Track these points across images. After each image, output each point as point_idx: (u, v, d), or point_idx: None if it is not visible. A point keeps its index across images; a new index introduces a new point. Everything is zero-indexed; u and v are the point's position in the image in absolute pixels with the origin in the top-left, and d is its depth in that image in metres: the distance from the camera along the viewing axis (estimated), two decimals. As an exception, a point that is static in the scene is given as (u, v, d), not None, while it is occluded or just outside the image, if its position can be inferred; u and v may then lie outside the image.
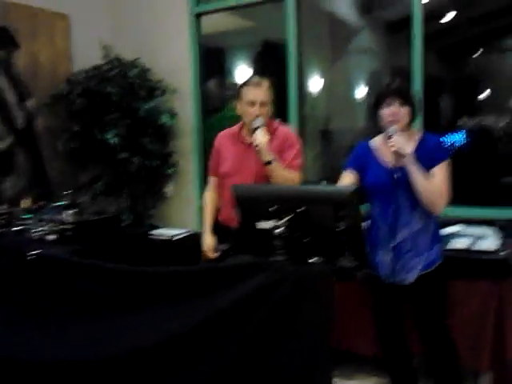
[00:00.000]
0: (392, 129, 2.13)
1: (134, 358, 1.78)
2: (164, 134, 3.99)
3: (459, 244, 2.68)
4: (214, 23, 4.55)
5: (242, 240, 1.95)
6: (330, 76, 5.54)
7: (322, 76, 5.43)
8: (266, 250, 1.81)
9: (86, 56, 4.01)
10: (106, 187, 3.99)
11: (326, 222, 1.71)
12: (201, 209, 4.19)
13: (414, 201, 2.15)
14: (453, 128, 5.46)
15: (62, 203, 3.06)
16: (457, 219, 2.99)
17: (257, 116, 2.43)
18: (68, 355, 1.83)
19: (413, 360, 2.45)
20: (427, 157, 2.14)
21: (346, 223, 1.69)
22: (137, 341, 1.80)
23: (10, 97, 3.76)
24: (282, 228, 1.77)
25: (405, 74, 3.50)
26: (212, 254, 2.58)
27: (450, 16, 5.38)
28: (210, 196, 2.76)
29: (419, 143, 2.21)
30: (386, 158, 2.24)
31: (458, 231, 2.86)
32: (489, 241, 2.72)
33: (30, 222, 2.95)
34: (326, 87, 5.53)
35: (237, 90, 2.58)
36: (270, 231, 1.77)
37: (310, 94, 5.34)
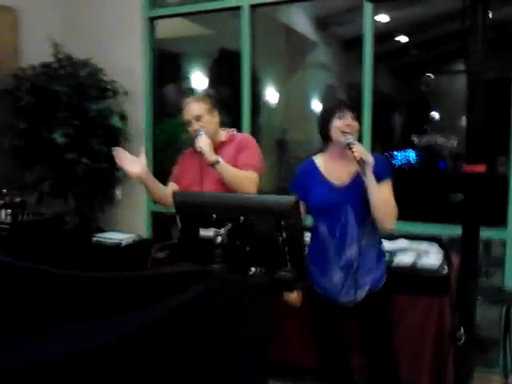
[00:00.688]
0: (350, 138, 2.10)
1: (70, 365, 1.71)
2: (114, 136, 3.90)
3: (404, 259, 2.72)
4: (172, 28, 4.51)
5: (183, 247, 1.90)
6: (287, 88, 5.60)
7: (279, 88, 5.48)
8: (207, 258, 1.78)
9: (34, 52, 3.88)
10: (52, 188, 3.86)
11: (267, 232, 1.70)
12: (150, 213, 4.13)
13: (361, 217, 2.15)
14: (404, 145, 5.60)
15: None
16: (402, 234, 3.04)
17: (196, 130, 2.49)
18: (7, 364, 1.73)
19: (353, 375, 2.45)
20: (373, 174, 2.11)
21: (286, 234, 1.67)
22: (72, 347, 1.73)
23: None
24: (223, 237, 1.74)
25: (358, 91, 3.56)
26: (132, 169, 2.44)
27: (403, 39, 5.55)
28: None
29: None
30: (332, 176, 2.23)
31: (403, 247, 2.91)
32: (432, 257, 2.77)
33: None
34: (283, 99, 5.58)
35: None
36: (210, 239, 1.74)
37: (267, 104, 5.37)
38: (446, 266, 2.67)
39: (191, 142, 2.55)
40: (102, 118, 3.78)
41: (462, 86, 1.75)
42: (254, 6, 3.76)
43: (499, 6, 3.69)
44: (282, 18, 5.04)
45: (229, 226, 1.74)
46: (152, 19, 4.12)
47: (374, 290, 2.22)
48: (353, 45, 3.81)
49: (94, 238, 3.24)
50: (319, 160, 2.31)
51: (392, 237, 2.94)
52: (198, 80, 4.74)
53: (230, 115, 4.56)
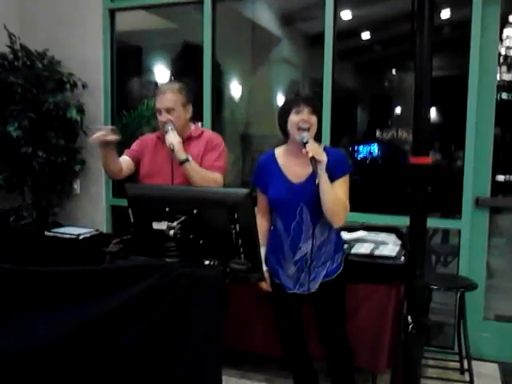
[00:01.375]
0: (305, 135, 2.09)
1: (24, 359, 1.69)
2: (71, 129, 3.82)
3: (362, 249, 2.76)
4: (134, 21, 4.44)
5: (136, 240, 1.88)
6: (251, 83, 5.59)
7: (243, 82, 5.46)
8: (160, 251, 1.77)
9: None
10: (7, 182, 3.77)
11: (220, 224, 1.69)
12: (110, 207, 4.07)
13: (316, 215, 2.16)
14: (367, 139, 5.67)
15: None
16: (360, 225, 3.08)
17: (165, 122, 2.47)
18: None
19: (313, 362, 2.49)
20: (328, 170, 2.11)
21: (239, 226, 1.67)
22: (23, 342, 1.71)
23: None
24: (176, 229, 1.73)
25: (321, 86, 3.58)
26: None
27: (365, 35, 5.61)
28: None
29: None
30: (290, 172, 2.23)
31: (361, 237, 2.95)
32: (389, 247, 2.82)
33: None
34: (247, 93, 5.57)
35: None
36: (163, 232, 1.73)
37: (230, 98, 5.35)
38: (403, 256, 2.72)
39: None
40: (58, 111, 3.68)
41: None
42: (216, 0, 3.73)
43: (457, 7, 3.78)
44: (247, 12, 5.02)
45: (182, 218, 1.73)
46: (113, 11, 4.05)
47: (329, 279, 2.25)
48: (317, 41, 3.83)
49: (50, 233, 3.16)
50: (279, 153, 2.30)
51: (351, 228, 2.98)
52: (161, 73, 4.68)
53: (193, 110, 4.53)
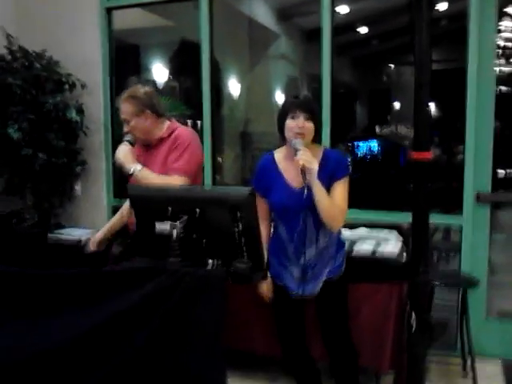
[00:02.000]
0: (297, 142, 2.07)
1: (36, 362, 1.71)
2: (71, 130, 3.81)
3: (363, 247, 2.75)
4: (131, 19, 4.43)
5: (139, 242, 1.88)
6: (250, 80, 5.58)
7: (242, 79, 5.46)
8: (163, 251, 1.77)
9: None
10: (8, 184, 3.75)
11: (223, 224, 1.69)
12: (111, 208, 4.06)
13: (319, 219, 2.13)
14: (366, 135, 5.67)
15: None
16: (362, 223, 3.08)
17: (125, 133, 2.42)
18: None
19: (316, 363, 2.48)
20: (328, 173, 2.11)
21: (242, 226, 1.67)
22: (34, 344, 1.73)
23: None
24: (179, 230, 1.73)
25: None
26: (92, 247, 2.63)
27: (363, 30, 5.59)
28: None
29: (321, 159, 2.17)
30: (291, 177, 2.20)
31: (363, 234, 2.95)
32: (391, 244, 2.82)
33: None
34: (246, 90, 5.56)
35: None
36: (166, 232, 1.73)
37: (229, 96, 5.35)
38: (404, 253, 2.71)
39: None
40: (58, 112, 3.67)
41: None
42: (213, -3, 3.72)
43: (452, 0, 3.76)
44: (244, 8, 5.01)
45: (184, 218, 1.73)
46: (109, 9, 4.03)
47: (332, 279, 2.25)
48: (314, 36, 3.81)
49: (52, 235, 3.16)
50: (279, 157, 2.27)
51: (352, 226, 2.98)
52: (159, 71, 4.68)
53: (192, 107, 4.52)
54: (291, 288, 2.26)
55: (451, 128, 3.83)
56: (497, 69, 3.16)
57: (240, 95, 5.55)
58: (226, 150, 5.23)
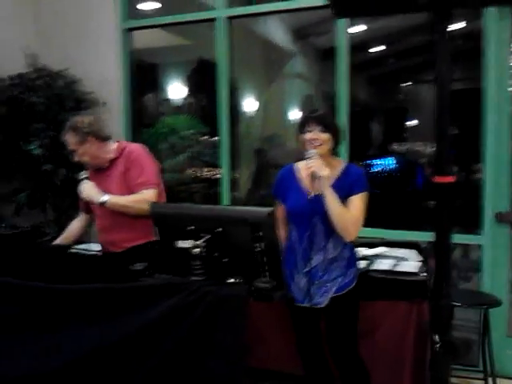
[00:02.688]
0: (311, 152, 2.16)
1: (69, 372, 1.76)
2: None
3: (382, 265, 2.73)
4: (149, 38, 4.51)
5: (161, 259, 1.89)
6: (265, 98, 5.63)
7: (258, 97, 5.51)
8: (184, 269, 1.78)
9: (8, 63, 3.81)
10: (29, 199, 3.82)
11: (244, 242, 1.70)
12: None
13: (330, 228, 2.17)
14: (383, 153, 5.65)
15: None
16: (381, 241, 3.06)
17: (80, 174, 2.56)
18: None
19: (335, 381, 2.45)
20: (347, 187, 2.16)
21: (263, 244, 1.68)
22: (47, 361, 1.77)
23: None
24: (201, 248, 1.74)
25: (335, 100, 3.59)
26: None
27: (379, 48, 5.62)
28: None
29: (342, 173, 2.24)
30: (306, 183, 2.27)
31: (382, 253, 2.93)
32: (410, 263, 2.79)
33: None
34: (261, 108, 5.60)
35: None
36: (188, 251, 1.74)
37: (245, 113, 5.40)
38: (424, 272, 2.68)
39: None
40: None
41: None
42: (230, 18, 3.78)
43: (467, 20, 3.77)
44: (259, 29, 5.08)
45: (206, 237, 1.75)
46: (129, 30, 4.12)
47: (340, 294, 2.24)
48: (329, 54, 3.85)
49: (71, 250, 3.18)
50: (299, 166, 2.35)
51: (371, 244, 2.96)
52: (176, 90, 4.74)
53: (209, 125, 4.57)
54: (296, 299, 2.26)
55: (468, 147, 3.81)
56: (510, 89, 3.17)
57: (256, 113, 5.59)
58: (243, 167, 5.27)
